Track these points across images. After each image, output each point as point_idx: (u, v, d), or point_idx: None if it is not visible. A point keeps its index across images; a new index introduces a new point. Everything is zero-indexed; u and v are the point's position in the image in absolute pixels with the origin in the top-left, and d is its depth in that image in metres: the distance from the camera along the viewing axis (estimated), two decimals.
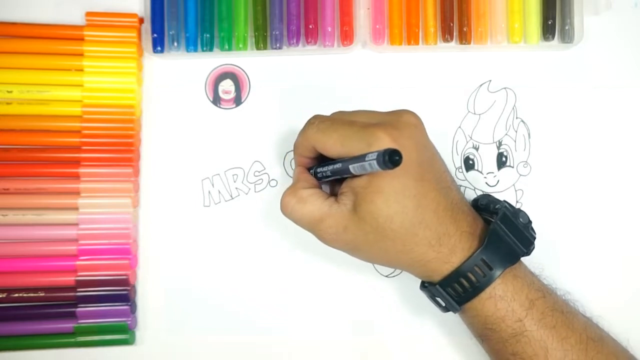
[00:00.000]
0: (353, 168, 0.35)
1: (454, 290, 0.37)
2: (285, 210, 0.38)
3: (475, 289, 0.36)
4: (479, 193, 0.45)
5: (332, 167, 0.37)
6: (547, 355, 0.36)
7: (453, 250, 0.36)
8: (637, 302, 0.44)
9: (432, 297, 0.39)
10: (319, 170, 0.39)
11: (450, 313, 0.39)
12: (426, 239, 0.36)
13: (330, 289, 0.45)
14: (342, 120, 0.38)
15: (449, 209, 0.36)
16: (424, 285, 0.39)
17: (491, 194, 0.41)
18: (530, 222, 0.38)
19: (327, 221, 0.37)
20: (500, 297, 0.36)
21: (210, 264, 0.45)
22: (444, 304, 0.38)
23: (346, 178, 0.37)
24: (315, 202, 0.37)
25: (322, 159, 0.39)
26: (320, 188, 0.39)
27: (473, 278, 0.36)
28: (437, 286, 0.37)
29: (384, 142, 0.34)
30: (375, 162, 0.32)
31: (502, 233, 0.37)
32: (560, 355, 0.36)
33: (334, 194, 0.39)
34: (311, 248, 0.45)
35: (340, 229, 0.37)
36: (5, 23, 0.46)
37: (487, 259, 0.36)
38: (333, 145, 0.37)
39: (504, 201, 0.40)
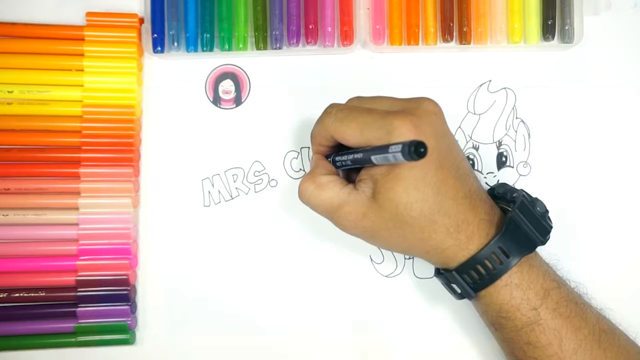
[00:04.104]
0: (375, 159, 0.34)
1: (470, 277, 0.37)
2: (303, 196, 0.38)
3: (492, 277, 0.36)
4: None
5: (352, 157, 0.37)
6: (561, 344, 0.36)
7: (471, 237, 0.36)
8: None
9: (447, 283, 0.39)
10: (337, 159, 0.39)
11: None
12: (445, 226, 0.36)
13: (330, 289, 0.45)
14: (360, 108, 0.37)
15: (467, 197, 0.36)
16: (440, 272, 0.39)
17: (507, 183, 0.41)
18: (547, 211, 0.38)
19: (345, 208, 0.37)
20: (517, 285, 0.36)
21: (210, 264, 0.45)
22: (459, 291, 0.38)
23: (365, 166, 0.37)
24: (333, 189, 0.37)
25: (340, 147, 0.39)
26: (339, 175, 0.39)
27: (490, 265, 0.36)
28: (454, 272, 0.37)
29: (404, 130, 0.34)
30: (400, 154, 0.31)
31: (520, 221, 0.37)
32: (574, 345, 0.36)
33: (350, 181, 0.39)
34: (312, 248, 0.45)
35: (359, 216, 0.36)
36: (5, 23, 0.46)
37: (505, 246, 0.36)
38: (352, 134, 0.36)
39: (521, 190, 0.39)
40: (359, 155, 0.36)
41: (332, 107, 0.38)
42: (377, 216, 0.36)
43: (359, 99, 0.39)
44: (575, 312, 0.36)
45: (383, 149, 0.33)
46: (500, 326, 0.37)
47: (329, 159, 0.40)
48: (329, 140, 0.39)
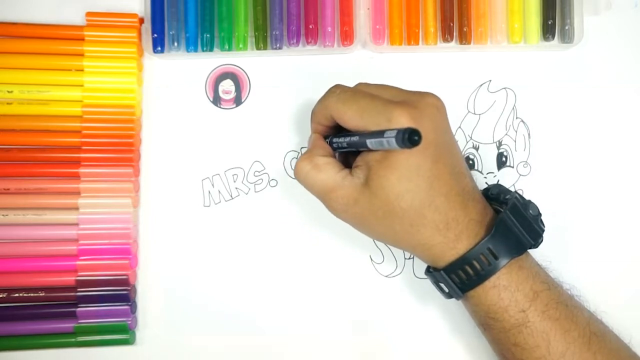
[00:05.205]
0: (370, 143, 0.35)
1: (457, 277, 0.36)
2: (299, 175, 0.38)
3: (480, 277, 0.36)
4: None
5: (348, 139, 0.37)
6: (549, 347, 0.35)
7: (459, 236, 0.36)
8: (638, 300, 0.44)
9: (436, 282, 0.39)
10: (334, 140, 0.39)
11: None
12: (434, 222, 0.36)
13: (330, 289, 0.45)
14: (364, 92, 0.38)
15: (460, 195, 0.36)
16: (429, 270, 0.39)
17: (502, 185, 0.41)
18: (540, 214, 0.38)
19: (338, 192, 0.37)
20: (505, 286, 0.36)
21: (210, 264, 0.45)
22: (447, 290, 0.38)
23: (361, 151, 0.37)
24: (329, 171, 0.37)
25: (338, 129, 0.39)
26: (335, 157, 0.39)
27: (478, 266, 0.36)
28: (442, 272, 0.37)
29: (403, 120, 0.34)
30: (393, 139, 0.31)
31: (511, 223, 0.36)
32: (562, 348, 0.35)
33: (347, 165, 0.39)
34: (312, 248, 0.45)
35: (351, 201, 0.37)
36: (5, 23, 0.46)
37: (494, 248, 0.36)
38: (352, 116, 0.37)
39: (515, 192, 0.39)
40: (355, 138, 0.36)
41: (337, 87, 0.39)
42: (368, 203, 0.36)
43: (365, 84, 0.39)
44: (565, 315, 0.36)
45: (379, 133, 0.34)
46: (488, 327, 0.37)
47: (327, 140, 0.40)
48: (328, 120, 0.39)
